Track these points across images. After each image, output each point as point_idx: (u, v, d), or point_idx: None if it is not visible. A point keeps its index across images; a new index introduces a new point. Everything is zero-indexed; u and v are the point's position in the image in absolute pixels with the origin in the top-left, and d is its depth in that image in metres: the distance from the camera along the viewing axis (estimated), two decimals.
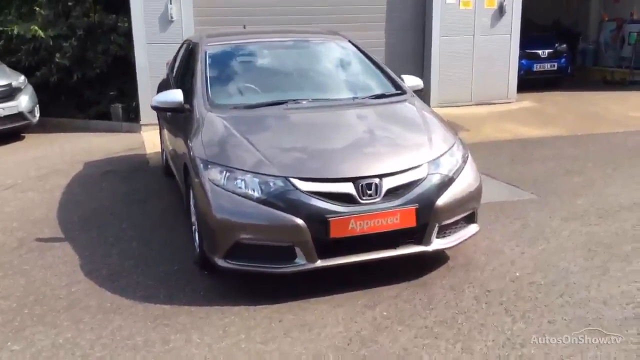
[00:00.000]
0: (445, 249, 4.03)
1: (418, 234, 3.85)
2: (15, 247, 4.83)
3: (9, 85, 8.58)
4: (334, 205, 3.63)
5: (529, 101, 10.88)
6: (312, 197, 3.63)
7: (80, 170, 7.20)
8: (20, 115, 8.64)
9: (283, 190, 3.66)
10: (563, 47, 12.93)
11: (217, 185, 3.77)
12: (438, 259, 4.24)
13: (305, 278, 3.87)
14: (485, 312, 3.56)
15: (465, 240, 4.14)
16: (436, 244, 3.92)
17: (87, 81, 9.92)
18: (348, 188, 3.68)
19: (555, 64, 12.68)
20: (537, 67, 12.51)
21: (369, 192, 3.69)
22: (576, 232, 4.75)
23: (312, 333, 3.39)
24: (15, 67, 9.84)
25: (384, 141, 4.10)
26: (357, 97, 4.74)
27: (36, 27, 9.22)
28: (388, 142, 4.09)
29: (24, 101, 8.68)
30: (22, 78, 9.00)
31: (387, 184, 3.74)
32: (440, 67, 10.33)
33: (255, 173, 3.73)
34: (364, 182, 3.70)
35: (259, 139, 4.02)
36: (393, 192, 3.76)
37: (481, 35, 10.37)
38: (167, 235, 4.96)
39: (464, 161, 4.16)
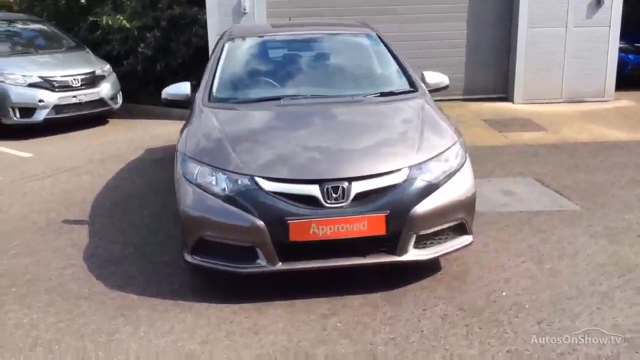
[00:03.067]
0: (423, 260, 3.73)
1: (390, 243, 3.61)
2: (41, 228, 5.13)
3: (92, 73, 9.14)
4: (295, 208, 3.49)
5: (628, 100, 9.86)
6: (275, 197, 3.52)
7: (138, 156, 7.52)
8: (101, 102, 9.18)
9: (247, 189, 3.58)
10: None
11: (189, 180, 3.76)
12: (427, 268, 3.96)
13: (280, 279, 3.80)
14: (445, 333, 3.27)
15: (451, 252, 3.83)
16: (412, 254, 3.66)
17: (171, 70, 10.34)
18: (312, 190, 3.52)
19: None
20: None
21: (334, 195, 3.51)
22: (600, 251, 4.24)
23: (253, 339, 3.29)
24: (108, 55, 10.48)
25: (363, 143, 3.87)
26: (358, 95, 4.52)
27: (122, 18, 9.74)
28: (368, 144, 3.85)
29: (105, 88, 9.21)
30: (106, 66, 9.56)
31: (357, 188, 3.54)
32: (527, 61, 9.63)
33: (225, 170, 3.68)
34: (331, 184, 3.52)
35: (237, 136, 3.97)
36: (363, 197, 3.54)
37: (575, 26, 9.52)
38: (178, 227, 5.03)
39: (459, 168, 3.83)
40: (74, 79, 8.85)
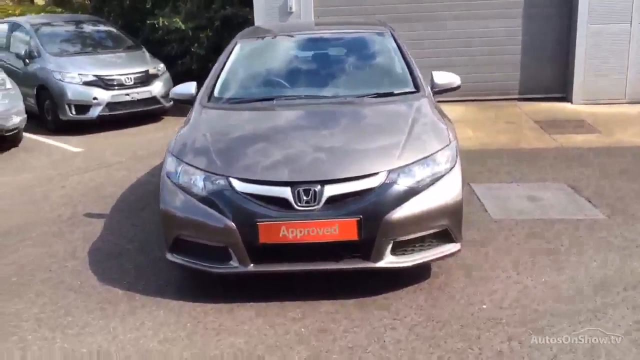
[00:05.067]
0: (401, 268, 3.59)
1: (364, 249, 3.50)
2: (63, 220, 5.36)
3: (145, 71, 9.46)
4: (266, 210, 3.45)
5: None
6: (246, 199, 3.50)
7: None
8: (153, 100, 9.48)
9: (221, 189, 3.58)
10: None
11: (171, 179, 3.81)
12: (413, 276, 3.81)
13: (265, 280, 3.81)
14: (406, 345, 3.14)
15: (433, 260, 3.68)
16: (389, 261, 3.53)
17: None
18: (284, 192, 3.47)
19: None
20: None
21: (305, 198, 3.44)
22: (607, 265, 3.93)
23: (212, 340, 3.29)
24: (169, 55, 10.82)
25: (343, 146, 3.76)
26: (354, 96, 4.40)
27: (177, 19, 10.02)
28: (347, 147, 3.74)
29: (158, 87, 9.50)
30: (160, 65, 9.86)
31: (329, 191, 3.46)
32: (587, 59, 9.08)
33: (203, 170, 3.70)
34: (302, 187, 3.46)
35: (221, 137, 3.99)
36: (336, 201, 3.46)
37: None
38: None
39: (446, 172, 3.66)
40: (127, 78, 9.19)
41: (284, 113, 4.30)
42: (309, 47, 5.18)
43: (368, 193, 3.47)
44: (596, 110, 8.78)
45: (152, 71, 9.57)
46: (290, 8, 9.16)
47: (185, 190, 3.69)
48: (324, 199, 3.45)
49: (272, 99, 4.41)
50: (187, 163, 3.78)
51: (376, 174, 3.52)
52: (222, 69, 4.81)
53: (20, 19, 10.82)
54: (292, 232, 3.42)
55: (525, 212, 5.00)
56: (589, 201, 5.17)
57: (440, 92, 4.68)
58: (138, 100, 9.29)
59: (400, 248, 3.56)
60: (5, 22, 10.88)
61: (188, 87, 4.76)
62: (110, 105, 9.05)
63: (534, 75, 9.45)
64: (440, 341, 3.15)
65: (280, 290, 3.74)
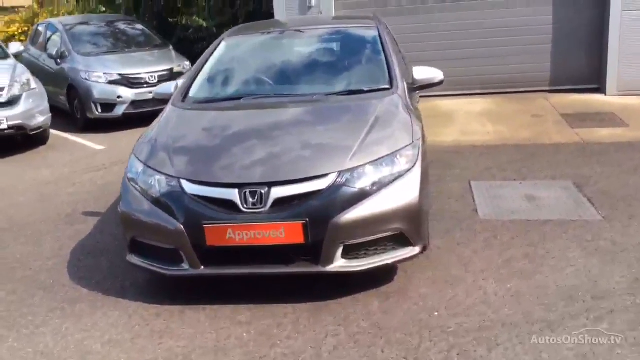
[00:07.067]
0: (353, 272, 3.47)
1: (313, 253, 3.41)
2: (62, 218, 5.49)
3: (170, 70, 9.58)
4: (213, 212, 3.42)
5: None
6: (195, 201, 3.48)
7: None
8: None
9: (173, 191, 3.57)
10: None
11: (130, 180, 3.83)
12: (375, 279, 3.70)
13: (224, 283, 3.80)
14: (340, 354, 3.06)
15: (388, 264, 3.55)
16: (339, 265, 3.44)
17: None
18: (231, 195, 3.43)
19: None
20: None
21: (252, 200, 3.39)
22: (583, 271, 3.70)
23: (154, 342, 3.30)
24: (199, 53, 10.92)
25: (294, 146, 3.68)
26: (322, 93, 4.30)
27: (198, 18, 10.12)
28: (298, 148, 3.65)
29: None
30: (186, 63, 9.97)
31: (276, 193, 3.39)
32: (622, 48, 8.55)
33: (159, 172, 3.70)
34: (249, 189, 3.40)
35: (180, 138, 3.99)
36: (284, 203, 3.39)
37: None
38: None
39: (404, 173, 3.52)
40: (151, 76, 9.34)
41: (245, 114, 4.26)
42: (290, 44, 5.10)
43: (315, 195, 3.38)
44: (630, 103, 8.28)
45: (176, 69, 9.69)
46: (310, 2, 9.06)
47: (143, 191, 3.70)
48: (270, 201, 3.38)
49: (239, 99, 4.36)
50: (145, 164, 3.79)
51: (325, 175, 3.42)
52: (201, 68, 4.80)
53: (54, 20, 11.18)
54: (239, 234, 3.38)
55: (517, 212, 4.77)
56: (590, 201, 4.88)
57: (420, 87, 4.51)
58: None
59: (352, 252, 3.45)
60: (44, 24, 11.28)
61: (168, 87, 4.79)
62: (134, 103, 9.22)
63: (566, 65, 8.99)
64: (377, 350, 3.04)
65: (237, 293, 3.71)
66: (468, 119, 8.04)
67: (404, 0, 8.98)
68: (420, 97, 8.06)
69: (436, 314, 3.33)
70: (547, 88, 9.12)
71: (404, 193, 3.48)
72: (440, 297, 3.51)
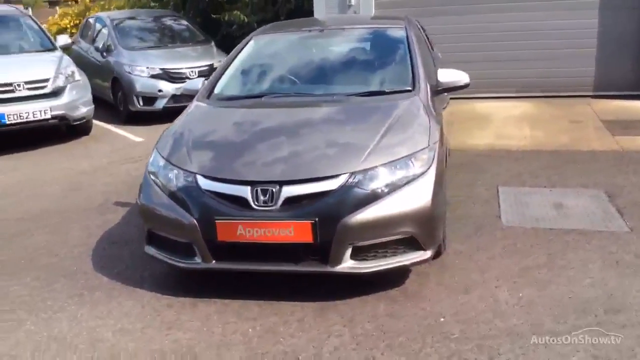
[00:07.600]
0: (361, 274, 3.47)
1: (322, 252, 3.43)
2: (93, 208, 5.66)
3: (210, 65, 9.73)
4: (225, 208, 3.48)
5: None
6: (209, 196, 3.54)
7: None
8: None
9: (188, 186, 3.64)
10: None
11: (151, 173, 3.92)
12: (385, 282, 3.69)
13: (238, 278, 3.85)
14: (340, 354, 3.06)
15: (399, 267, 3.53)
16: (348, 266, 3.44)
17: None
18: (243, 192, 3.47)
19: None
20: None
21: (263, 198, 3.42)
22: (600, 283, 3.60)
23: (162, 334, 3.37)
24: None
25: (309, 146, 3.69)
26: (343, 94, 4.30)
27: (239, 13, 10.22)
28: (313, 148, 3.67)
29: None
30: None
31: (287, 192, 3.42)
32: None
33: (177, 167, 3.78)
34: (261, 187, 3.44)
35: (201, 134, 4.06)
36: (294, 202, 3.41)
37: None
38: None
39: (418, 176, 3.50)
40: (192, 71, 9.51)
41: (263, 113, 4.29)
42: (315, 44, 5.11)
43: (326, 195, 3.39)
44: None
45: (216, 65, 9.78)
46: (350, 1, 9.06)
47: (162, 185, 3.78)
48: (281, 200, 3.41)
49: (261, 97, 4.41)
50: (165, 159, 3.88)
51: (337, 176, 3.43)
52: (229, 65, 4.87)
53: (103, 14, 11.49)
54: (249, 231, 3.42)
55: (542, 220, 4.67)
56: (619, 211, 4.74)
57: (445, 90, 4.46)
58: None
59: (361, 253, 3.45)
60: (93, 17, 11.62)
61: (196, 83, 4.88)
62: (174, 97, 9.40)
63: (610, 70, 8.75)
64: (377, 353, 3.03)
65: (247, 289, 3.75)
66: (505, 123, 7.90)
67: (443, 2, 8.87)
68: (459, 98, 7.97)
69: (442, 319, 3.30)
70: (591, 93, 8.89)
71: (416, 196, 3.46)
72: (450, 302, 3.48)
